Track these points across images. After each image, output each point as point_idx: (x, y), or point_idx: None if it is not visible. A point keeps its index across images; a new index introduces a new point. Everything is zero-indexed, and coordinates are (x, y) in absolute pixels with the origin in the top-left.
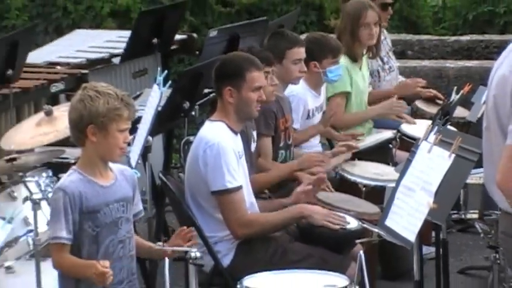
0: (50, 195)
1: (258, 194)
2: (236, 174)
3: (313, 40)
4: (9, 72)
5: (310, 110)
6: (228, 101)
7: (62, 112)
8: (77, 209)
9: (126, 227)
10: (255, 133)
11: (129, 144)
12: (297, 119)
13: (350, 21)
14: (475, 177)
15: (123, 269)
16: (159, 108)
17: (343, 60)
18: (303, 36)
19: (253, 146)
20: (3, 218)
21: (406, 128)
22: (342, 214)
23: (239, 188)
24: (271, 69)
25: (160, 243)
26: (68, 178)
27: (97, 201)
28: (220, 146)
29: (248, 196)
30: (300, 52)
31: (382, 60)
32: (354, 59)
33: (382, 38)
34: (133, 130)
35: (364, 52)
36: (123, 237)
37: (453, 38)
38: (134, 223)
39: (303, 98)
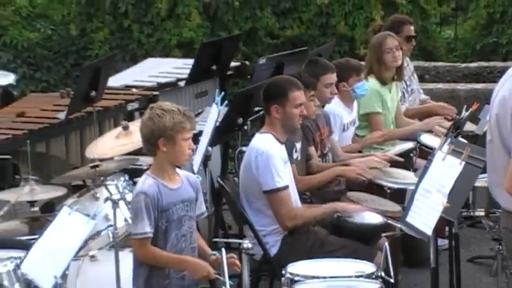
0: (127, 196)
1: (301, 193)
2: (283, 175)
3: (339, 65)
4: (93, 93)
5: (345, 124)
6: (274, 117)
7: (136, 127)
8: (156, 208)
9: (189, 224)
10: (298, 144)
11: (192, 151)
12: (336, 132)
13: (375, 50)
14: (482, 181)
15: None
16: (217, 124)
17: (374, 83)
18: None
19: (295, 155)
20: (88, 215)
21: (424, 139)
22: (368, 213)
23: (286, 187)
24: (314, 92)
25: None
26: (146, 182)
27: (167, 202)
28: (268, 153)
29: (293, 194)
30: (331, 77)
31: (405, 83)
32: (383, 82)
33: (405, 64)
34: (196, 141)
35: (392, 76)
36: (185, 232)
37: (463, 64)
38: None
39: (339, 114)
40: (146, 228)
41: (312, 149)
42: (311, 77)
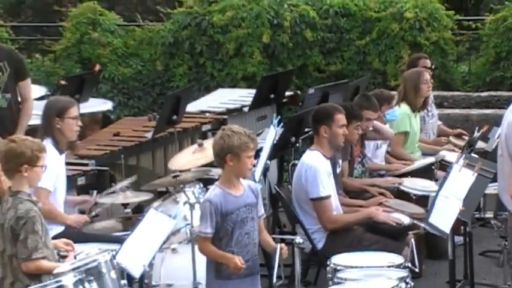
0: (201, 200)
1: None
2: (327, 186)
3: (374, 95)
4: (175, 117)
5: (378, 143)
6: (323, 136)
7: (209, 145)
8: (219, 213)
9: (251, 224)
10: (340, 161)
11: (254, 166)
12: (369, 150)
13: (413, 80)
14: (491, 188)
15: (248, 252)
16: (275, 142)
17: (406, 109)
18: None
19: (338, 169)
20: (170, 215)
21: (444, 155)
22: (398, 215)
23: (329, 196)
24: (360, 122)
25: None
26: (213, 192)
27: (231, 207)
28: (316, 167)
29: (335, 202)
30: (372, 114)
31: (427, 109)
32: (413, 109)
33: None
34: (257, 156)
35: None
36: (248, 230)
37: (476, 94)
38: None
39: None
40: (208, 229)
41: (346, 165)
42: (358, 108)
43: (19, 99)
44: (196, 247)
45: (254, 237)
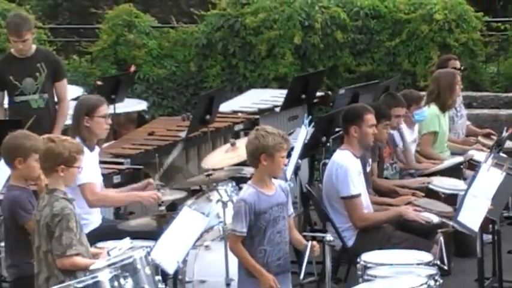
0: (234, 198)
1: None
2: (357, 185)
3: (403, 95)
4: (208, 117)
5: (408, 142)
6: (353, 136)
7: (242, 144)
8: (252, 212)
9: (283, 222)
10: (370, 160)
11: (285, 165)
12: (398, 142)
13: (449, 81)
14: None
15: (280, 250)
16: (306, 141)
17: (435, 109)
18: None
19: (368, 168)
20: (203, 213)
21: (473, 154)
22: (427, 213)
23: (359, 194)
24: (389, 121)
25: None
26: (247, 191)
27: (264, 206)
28: (347, 166)
29: (365, 200)
30: (401, 110)
31: (456, 109)
32: (443, 109)
33: None
34: (288, 155)
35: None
36: (280, 229)
37: (504, 94)
38: None
39: (402, 133)
40: (242, 228)
41: (374, 165)
42: (386, 107)
43: (56, 99)
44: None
45: (285, 236)
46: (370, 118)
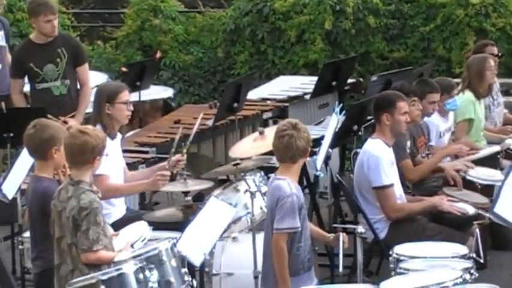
0: (262, 188)
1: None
2: (390, 174)
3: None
4: (235, 105)
5: (441, 131)
6: (385, 124)
7: (270, 132)
8: (299, 207)
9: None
10: (408, 142)
11: (315, 154)
12: (432, 138)
13: (478, 67)
14: None
15: (309, 244)
16: (337, 130)
17: (469, 96)
18: None
19: (408, 150)
20: (231, 204)
21: (510, 143)
22: (462, 204)
23: (392, 184)
24: (416, 98)
25: (331, 235)
26: (292, 186)
27: (302, 201)
28: (378, 156)
29: (398, 190)
30: (436, 96)
31: (492, 97)
32: (477, 96)
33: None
34: (318, 144)
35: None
36: (307, 223)
37: None
38: (318, 208)
39: (436, 123)
40: (298, 223)
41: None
42: (419, 93)
43: (78, 85)
44: (258, 236)
45: (309, 229)
46: (403, 106)
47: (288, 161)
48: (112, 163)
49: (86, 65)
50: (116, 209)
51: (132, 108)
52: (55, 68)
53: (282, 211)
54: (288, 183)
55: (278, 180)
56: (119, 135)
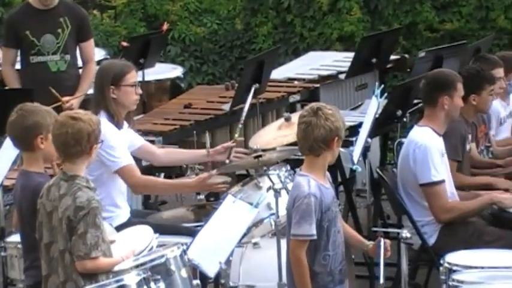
0: (288, 185)
1: None
2: (440, 169)
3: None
4: (256, 85)
5: (501, 118)
6: (442, 108)
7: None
8: (320, 210)
9: (339, 217)
10: (469, 136)
11: (352, 144)
12: (492, 126)
13: None
14: None
15: (340, 253)
16: (377, 116)
17: None
18: None
19: (467, 147)
20: (251, 203)
21: None
22: None
23: (442, 181)
24: (493, 86)
25: (371, 243)
26: (311, 184)
27: (327, 201)
28: (427, 146)
29: (450, 187)
30: (500, 72)
31: None
32: None
33: None
34: (355, 133)
35: None
36: (339, 227)
37: None
38: (355, 208)
39: (496, 110)
40: (313, 230)
41: (473, 145)
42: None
43: (79, 63)
44: (283, 242)
45: (342, 234)
46: (461, 88)
47: (307, 153)
48: (126, 151)
49: (92, 40)
50: (122, 211)
51: (140, 91)
52: (55, 40)
53: (298, 214)
54: (308, 181)
55: (300, 176)
56: (126, 124)
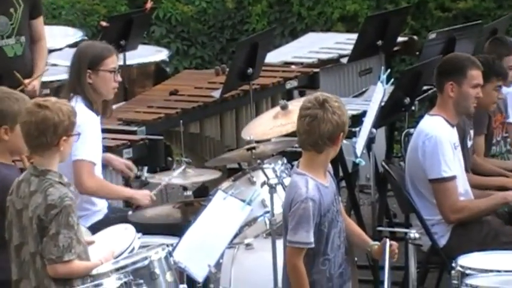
0: (285, 180)
1: None
2: (451, 164)
3: None
4: (250, 70)
5: None
6: (448, 95)
7: (295, 106)
8: (319, 213)
9: (340, 218)
10: (471, 131)
11: (355, 136)
12: (510, 114)
13: None
14: None
15: (340, 255)
16: (383, 104)
17: None
18: None
19: (469, 143)
20: (244, 200)
21: None
22: None
23: (454, 177)
24: (503, 82)
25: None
26: (310, 186)
27: (327, 202)
28: (437, 138)
29: (463, 184)
30: None
31: None
32: None
33: None
34: (359, 123)
35: None
36: (340, 227)
37: None
38: (358, 206)
39: None
40: (310, 238)
41: (481, 140)
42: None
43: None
44: (279, 242)
45: (344, 235)
46: (476, 75)
47: (310, 148)
48: (97, 148)
49: (41, 18)
50: (97, 208)
51: (119, 78)
52: (8, 22)
53: (294, 219)
54: (306, 182)
55: (297, 175)
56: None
